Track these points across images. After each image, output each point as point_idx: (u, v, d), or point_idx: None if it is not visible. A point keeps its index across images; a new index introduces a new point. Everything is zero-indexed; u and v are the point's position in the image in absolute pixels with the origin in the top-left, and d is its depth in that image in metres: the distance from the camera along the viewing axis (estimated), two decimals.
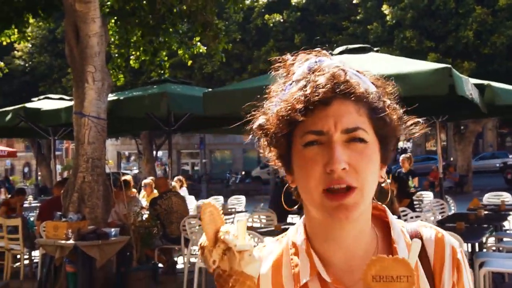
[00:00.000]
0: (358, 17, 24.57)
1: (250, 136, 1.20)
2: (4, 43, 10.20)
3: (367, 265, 0.90)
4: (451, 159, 30.88)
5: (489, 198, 11.44)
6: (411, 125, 1.20)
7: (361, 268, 1.02)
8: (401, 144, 44.74)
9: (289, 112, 1.05)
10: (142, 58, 10.52)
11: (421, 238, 1.16)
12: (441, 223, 8.07)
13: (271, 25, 25.89)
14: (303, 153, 1.05)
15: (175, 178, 12.23)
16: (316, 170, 1.03)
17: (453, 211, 10.71)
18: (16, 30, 9.70)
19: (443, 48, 21.67)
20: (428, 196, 12.39)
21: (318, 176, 1.03)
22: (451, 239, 1.18)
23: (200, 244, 0.99)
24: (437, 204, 10.51)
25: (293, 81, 1.11)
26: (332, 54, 4.89)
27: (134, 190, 10.88)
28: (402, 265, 0.89)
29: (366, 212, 1.10)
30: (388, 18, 23.10)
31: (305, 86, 1.06)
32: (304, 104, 1.04)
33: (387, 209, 1.20)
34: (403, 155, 11.24)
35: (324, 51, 1.17)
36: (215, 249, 0.96)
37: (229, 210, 11.78)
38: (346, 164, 1.01)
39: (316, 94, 1.03)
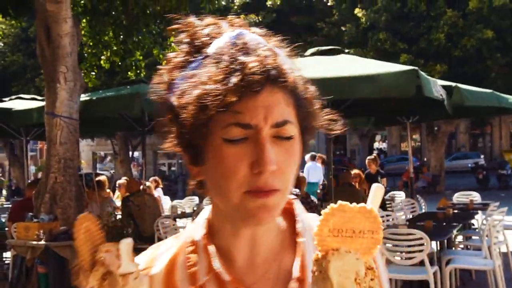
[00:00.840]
0: (332, 19, 24.79)
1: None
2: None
3: (325, 214, 0.78)
4: (425, 159, 31.33)
5: (459, 197, 11.67)
6: (331, 120, 1.07)
7: (264, 265, 1.02)
8: (376, 145, 45.16)
9: (212, 98, 0.88)
10: (113, 59, 10.50)
11: None
12: (410, 222, 8.18)
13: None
14: (224, 148, 0.90)
15: (150, 179, 12.24)
16: (239, 170, 0.89)
17: (423, 210, 10.86)
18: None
19: (415, 50, 22.00)
20: (400, 195, 12.58)
21: (242, 176, 0.89)
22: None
23: (74, 267, 0.81)
24: (408, 203, 10.68)
25: (206, 56, 0.93)
26: (303, 56, 5.01)
27: (108, 190, 10.84)
28: (367, 217, 0.76)
29: None
30: (362, 20, 23.36)
31: (230, 67, 0.88)
32: (231, 90, 0.87)
33: (295, 202, 1.10)
34: (368, 157, 11.39)
35: (239, 20, 1.00)
36: (92, 273, 0.79)
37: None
38: (275, 165, 0.89)
39: (246, 79, 0.87)
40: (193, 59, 0.96)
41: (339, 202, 0.77)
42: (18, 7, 9.03)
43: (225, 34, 0.95)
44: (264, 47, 0.92)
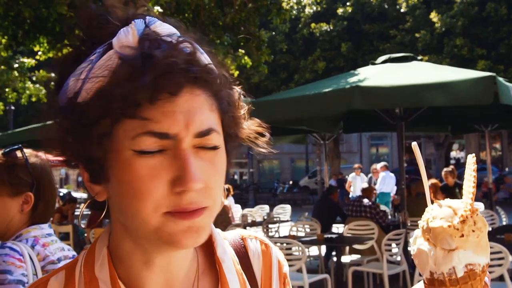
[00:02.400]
0: (406, 25, 24.30)
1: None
2: (56, 57, 10.67)
3: (475, 177, 0.75)
4: (506, 169, 29.89)
5: None
6: (259, 134, 0.94)
7: None
8: (453, 154, 43.57)
9: (117, 100, 0.73)
10: None
11: (246, 251, 1.00)
12: (489, 234, 7.87)
13: (318, 34, 25.90)
14: (136, 162, 0.75)
15: None
16: (156, 189, 0.75)
17: (504, 223, 10.42)
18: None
19: (494, 56, 21.16)
20: (479, 207, 12.12)
21: (160, 196, 0.75)
22: (277, 251, 1.03)
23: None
24: (487, 215, 10.27)
25: (107, 47, 0.77)
26: (374, 64, 4.91)
27: None
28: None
29: None
30: (437, 25, 22.74)
31: (140, 63, 0.73)
32: (142, 91, 0.72)
33: None
34: (445, 169, 11.03)
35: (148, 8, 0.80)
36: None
37: (274, 219, 11.84)
38: (201, 183, 0.76)
39: (161, 78, 0.73)
40: (91, 51, 0.79)
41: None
42: None
43: (133, 23, 0.78)
44: (182, 40, 0.78)
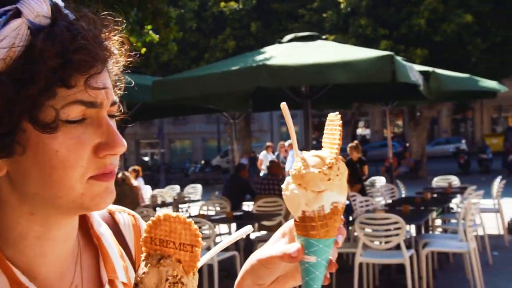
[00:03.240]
0: (313, 5, 24.74)
1: None
2: None
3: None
4: (407, 145, 31.58)
5: (438, 181, 11.80)
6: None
7: (68, 273, 0.90)
8: (359, 131, 45.42)
9: (49, 68, 0.72)
10: None
11: (116, 223, 1.02)
12: (389, 207, 8.26)
13: (228, 13, 25.81)
14: (62, 132, 0.75)
15: (130, 169, 12.14)
16: (82, 157, 0.77)
17: (403, 196, 10.96)
18: None
19: (396, 36, 22.06)
20: (380, 181, 12.68)
21: (86, 163, 0.78)
22: (143, 223, 1.05)
23: None
24: (387, 188, 10.78)
25: (14, 14, 0.74)
26: (281, 42, 5.00)
27: None
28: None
29: None
30: (343, 6, 23.35)
31: (71, 35, 0.74)
32: (74, 64, 0.73)
33: None
34: (349, 144, 11.42)
35: None
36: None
37: (185, 199, 11.81)
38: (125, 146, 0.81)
39: (93, 52, 0.75)
40: None
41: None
42: None
43: None
44: (91, 20, 0.80)
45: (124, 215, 1.05)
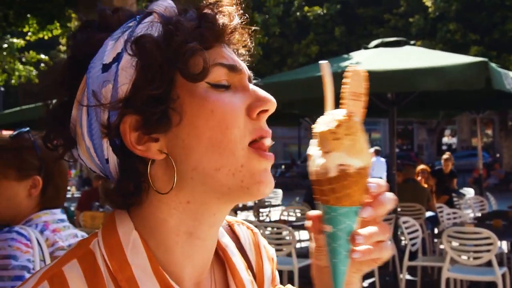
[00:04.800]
0: (400, 10, 24.25)
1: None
2: (46, 37, 10.57)
3: (347, 77, 0.78)
4: (497, 155, 30.08)
5: None
6: None
7: (206, 281, 0.89)
8: (445, 140, 43.92)
9: (191, 36, 0.78)
10: None
11: (237, 236, 1.01)
12: (478, 220, 7.95)
13: (311, 18, 25.79)
14: (213, 95, 0.78)
15: None
16: (239, 118, 0.79)
17: (493, 209, 10.51)
18: (58, 24, 10.05)
19: (488, 41, 21.18)
20: (468, 192, 12.18)
21: (242, 125, 0.79)
22: (262, 238, 1.06)
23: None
24: (476, 201, 10.33)
25: (138, 16, 0.84)
26: (367, 48, 4.94)
27: None
28: (364, 82, 0.80)
29: None
30: (430, 10, 22.70)
31: (209, 11, 0.82)
32: (211, 32, 0.80)
33: None
34: (446, 155, 11.11)
35: None
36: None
37: (265, 203, 11.86)
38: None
39: (231, 21, 0.83)
40: (106, 34, 0.82)
41: (354, 67, 0.78)
42: (87, 2, 9.37)
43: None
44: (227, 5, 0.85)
45: (243, 228, 1.04)
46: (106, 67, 0.78)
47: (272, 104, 0.81)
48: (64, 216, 1.92)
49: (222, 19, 0.81)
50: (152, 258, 0.80)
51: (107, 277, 0.79)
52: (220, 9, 0.83)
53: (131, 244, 0.80)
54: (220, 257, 0.93)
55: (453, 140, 43.86)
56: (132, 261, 0.79)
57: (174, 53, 0.76)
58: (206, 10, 0.81)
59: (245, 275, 0.93)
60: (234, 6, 0.86)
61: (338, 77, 4.06)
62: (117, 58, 0.78)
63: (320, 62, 0.81)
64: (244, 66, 0.84)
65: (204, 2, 0.84)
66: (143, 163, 0.79)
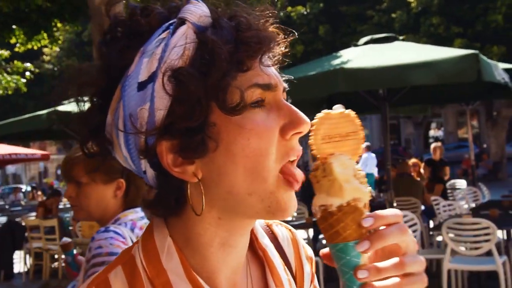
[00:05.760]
0: (382, 6, 24.41)
1: None
2: (35, 47, 10.51)
3: (315, 124, 0.79)
4: (484, 146, 30.36)
5: None
6: None
7: (242, 283, 0.91)
8: (432, 133, 44.20)
9: (225, 57, 0.76)
10: None
11: (276, 237, 1.02)
12: (474, 211, 8.03)
13: (295, 17, 25.86)
14: (249, 117, 0.78)
15: None
16: (273, 140, 0.79)
17: (486, 199, 10.63)
18: (45, 35, 10.00)
19: (471, 34, 21.38)
20: (461, 184, 12.31)
21: (276, 148, 0.79)
22: (300, 237, 1.07)
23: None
24: (470, 192, 10.45)
25: (170, 24, 0.81)
26: (356, 45, 4.94)
27: None
28: (348, 120, 0.81)
29: None
30: (413, 5, 22.88)
31: (243, 25, 0.80)
32: (245, 49, 0.78)
33: None
34: (434, 144, 11.17)
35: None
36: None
37: None
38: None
39: (265, 38, 0.80)
40: (140, 40, 0.81)
41: (323, 110, 0.80)
42: (73, 12, 9.31)
43: (193, 2, 0.82)
44: (257, 17, 0.83)
45: (282, 228, 1.05)
46: (141, 86, 0.78)
47: (306, 126, 0.81)
48: (143, 214, 2.11)
49: (258, 36, 0.79)
50: (185, 263, 0.83)
51: (146, 281, 0.82)
52: (255, 20, 0.82)
53: (166, 250, 0.83)
54: (260, 257, 0.95)
55: (440, 133, 44.20)
56: (167, 266, 0.82)
57: (212, 87, 0.75)
58: (238, 24, 0.80)
59: (284, 275, 0.95)
60: (267, 11, 0.85)
61: (331, 76, 4.12)
62: (152, 77, 0.78)
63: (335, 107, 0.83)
64: (278, 78, 0.83)
65: (237, 8, 0.83)
66: (181, 181, 0.81)
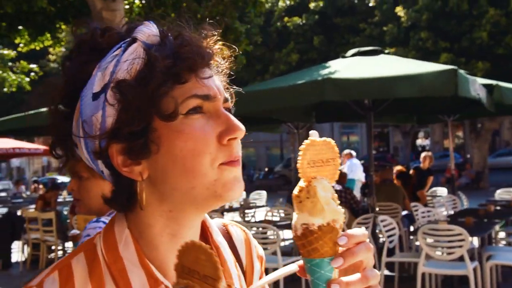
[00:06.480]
0: (374, 19, 24.80)
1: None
2: (38, 48, 10.82)
3: (302, 150, 0.84)
4: (468, 156, 30.87)
5: (501, 194, 11.62)
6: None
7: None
8: (420, 142, 44.15)
9: (164, 70, 0.84)
10: None
11: (230, 236, 1.11)
12: (451, 218, 8.19)
13: (291, 28, 26.27)
14: (187, 123, 0.86)
15: None
16: (210, 143, 0.87)
17: (465, 207, 10.79)
18: (49, 36, 10.33)
19: (457, 49, 21.73)
20: (442, 192, 12.57)
21: (214, 150, 0.87)
22: (253, 238, 1.16)
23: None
24: (449, 199, 10.67)
25: (124, 42, 0.90)
26: (344, 57, 5.41)
27: None
28: (329, 148, 0.86)
29: None
30: (403, 19, 23.31)
31: (180, 44, 0.88)
32: (185, 62, 0.86)
33: None
34: (425, 153, 11.43)
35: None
36: None
37: (250, 204, 12.13)
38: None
39: (200, 53, 0.88)
40: (98, 56, 0.90)
41: (310, 137, 0.85)
42: (77, 15, 9.66)
43: (146, 23, 0.92)
44: (200, 36, 0.92)
45: (237, 229, 1.14)
46: (95, 96, 0.87)
47: (240, 132, 0.88)
48: None
49: (196, 52, 0.87)
50: (140, 252, 0.90)
51: (105, 267, 0.89)
52: (195, 38, 0.90)
53: (124, 241, 0.91)
54: (218, 253, 1.02)
55: (427, 142, 44.61)
56: (123, 254, 0.89)
57: (149, 97, 0.84)
58: (181, 42, 0.88)
59: (234, 270, 1.03)
60: (210, 31, 0.95)
61: (319, 85, 4.69)
62: (104, 88, 0.86)
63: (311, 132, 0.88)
64: (219, 90, 0.90)
65: (182, 29, 0.92)
66: (131, 180, 0.89)
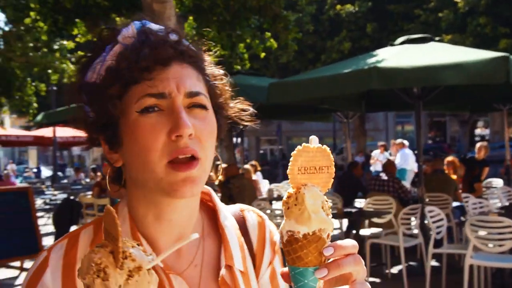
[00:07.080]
0: (430, 5, 24.18)
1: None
2: (94, 39, 11.20)
3: (294, 155, 0.84)
4: None
5: None
6: (241, 110, 1.12)
7: (188, 252, 1.07)
8: (478, 131, 42.59)
9: (125, 68, 0.93)
10: (222, 53, 10.95)
11: (244, 221, 1.18)
12: (505, 209, 7.96)
13: (343, 15, 25.99)
14: (140, 121, 0.93)
15: (249, 164, 12.50)
16: (158, 140, 0.92)
17: None
18: (104, 27, 10.68)
19: None
20: (497, 183, 12.25)
21: (161, 146, 0.92)
22: (271, 224, 1.21)
23: (99, 264, 0.73)
24: (505, 191, 10.41)
25: (115, 43, 0.99)
26: (393, 45, 5.36)
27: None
28: (324, 155, 0.85)
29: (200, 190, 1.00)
30: (460, 5, 22.62)
31: (140, 44, 0.95)
32: (144, 62, 0.93)
33: (212, 192, 1.15)
34: (480, 143, 11.16)
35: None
36: (120, 270, 0.73)
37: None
38: (193, 129, 0.93)
39: (156, 53, 0.94)
40: (101, 52, 1.01)
41: (303, 144, 0.85)
42: (130, 8, 9.94)
43: (131, 24, 1.01)
44: (170, 30, 1.01)
45: (253, 214, 1.21)
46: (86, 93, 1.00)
47: (185, 130, 0.91)
48: None
49: (156, 51, 0.94)
50: (133, 227, 1.02)
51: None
52: (158, 36, 0.97)
53: (122, 217, 1.03)
54: (219, 235, 1.11)
55: (486, 132, 43.21)
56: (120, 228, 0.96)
57: (108, 97, 0.94)
58: (143, 41, 0.96)
59: (237, 252, 1.10)
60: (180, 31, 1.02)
61: (365, 74, 4.71)
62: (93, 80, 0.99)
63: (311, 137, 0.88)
64: (182, 85, 0.95)
65: (154, 27, 1.00)
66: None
